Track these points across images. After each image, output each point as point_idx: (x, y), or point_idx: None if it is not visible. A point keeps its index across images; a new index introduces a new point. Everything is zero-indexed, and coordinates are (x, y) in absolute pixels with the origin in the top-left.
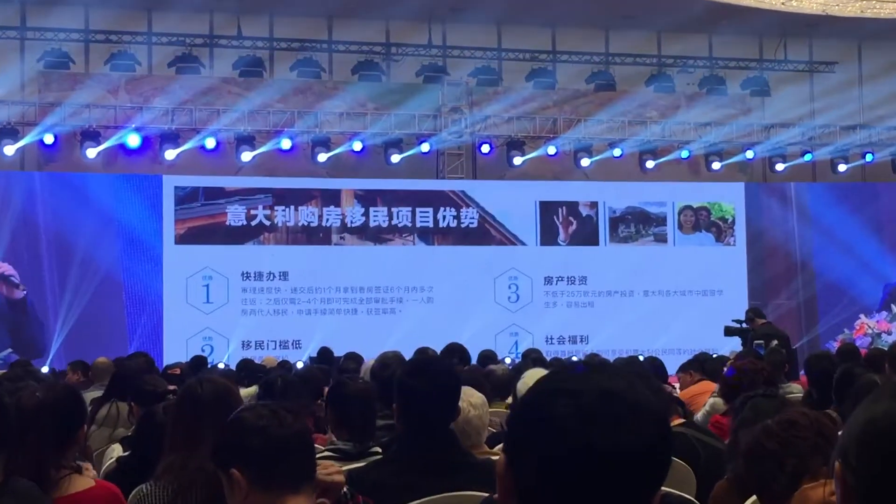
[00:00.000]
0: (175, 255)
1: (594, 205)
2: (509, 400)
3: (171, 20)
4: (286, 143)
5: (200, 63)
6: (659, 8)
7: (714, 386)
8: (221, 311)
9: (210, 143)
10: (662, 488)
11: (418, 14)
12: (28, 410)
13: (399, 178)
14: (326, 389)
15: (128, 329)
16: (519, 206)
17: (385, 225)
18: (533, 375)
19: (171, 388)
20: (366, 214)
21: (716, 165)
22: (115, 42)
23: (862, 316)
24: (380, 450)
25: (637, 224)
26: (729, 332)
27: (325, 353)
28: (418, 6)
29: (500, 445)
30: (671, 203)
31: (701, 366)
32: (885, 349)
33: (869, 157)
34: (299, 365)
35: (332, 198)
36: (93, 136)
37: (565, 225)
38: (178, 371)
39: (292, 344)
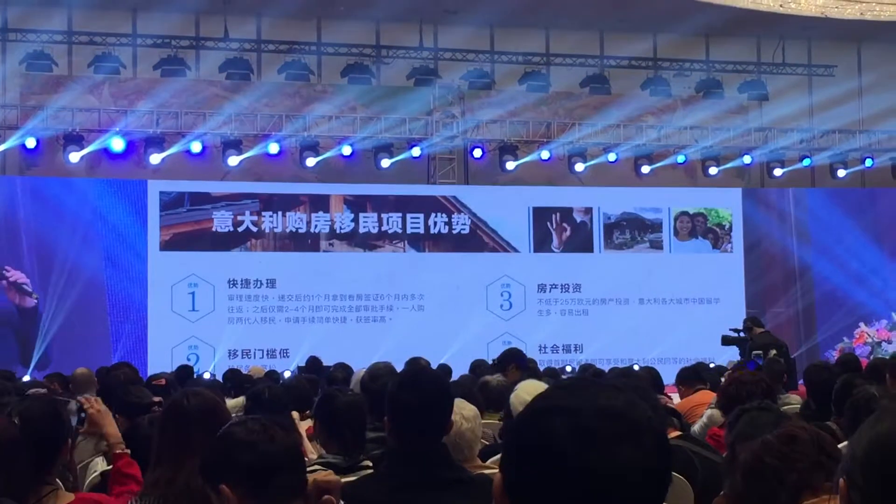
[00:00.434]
0: (160, 262)
1: (588, 211)
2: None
3: (156, 22)
4: (274, 148)
5: (186, 65)
6: (655, 10)
7: (713, 395)
8: (207, 319)
9: (196, 147)
10: None
11: (409, 15)
12: (3, 444)
13: (389, 184)
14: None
15: (111, 337)
16: (512, 212)
17: (375, 231)
18: (525, 387)
19: (157, 399)
20: (355, 220)
21: (713, 171)
22: (98, 44)
23: (861, 324)
24: (371, 464)
25: (632, 230)
26: (726, 341)
27: (313, 362)
28: (409, 7)
29: (493, 459)
30: (667, 209)
31: (698, 376)
32: (886, 359)
33: (868, 162)
34: (287, 374)
35: (320, 203)
36: (76, 139)
37: (559, 231)
38: (163, 382)
39: (280, 353)
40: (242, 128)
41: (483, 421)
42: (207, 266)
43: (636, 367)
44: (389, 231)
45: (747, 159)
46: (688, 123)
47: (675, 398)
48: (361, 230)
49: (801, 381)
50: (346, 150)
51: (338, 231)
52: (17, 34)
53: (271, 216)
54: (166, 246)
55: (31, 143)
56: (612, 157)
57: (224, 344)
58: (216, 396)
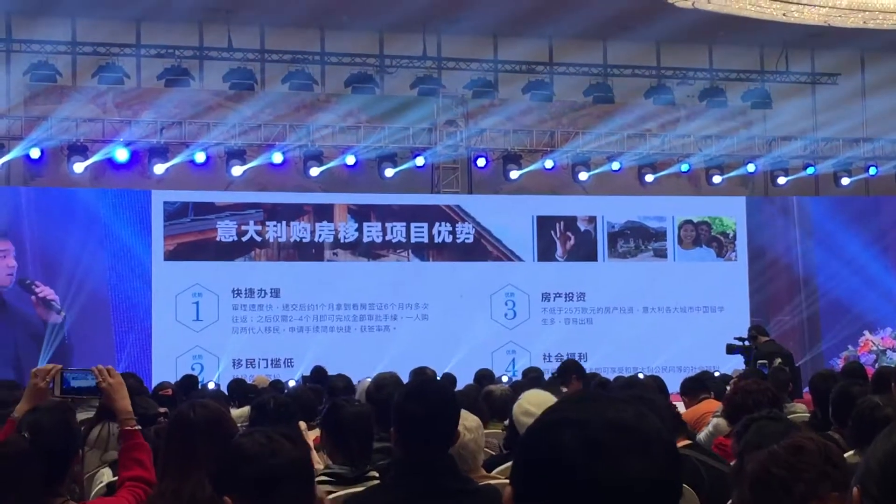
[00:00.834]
0: (164, 272)
1: (592, 219)
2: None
3: (161, 32)
4: (278, 157)
5: (190, 76)
6: (658, 18)
7: (718, 404)
8: (212, 328)
9: (200, 157)
10: None
11: (413, 25)
12: (14, 458)
13: (393, 193)
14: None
15: (115, 347)
16: (516, 221)
17: (379, 240)
18: (528, 398)
19: (162, 410)
20: (359, 230)
21: (716, 179)
22: (103, 55)
23: (866, 332)
24: (377, 474)
25: (636, 239)
26: (731, 349)
27: (318, 371)
28: (413, 17)
29: (499, 469)
30: (671, 217)
31: (703, 385)
32: (892, 367)
33: (872, 171)
34: (291, 384)
35: (324, 213)
36: (80, 150)
37: (563, 240)
38: (169, 392)
39: (284, 362)
40: (246, 138)
41: (487, 431)
42: (212, 276)
43: (641, 376)
44: (393, 240)
45: (751, 167)
46: (691, 132)
47: (680, 407)
48: (365, 239)
49: (806, 390)
50: (350, 160)
51: (342, 240)
52: (21, 45)
53: (275, 226)
54: (170, 256)
55: (35, 153)
56: (615, 165)
57: (228, 353)
58: (221, 407)
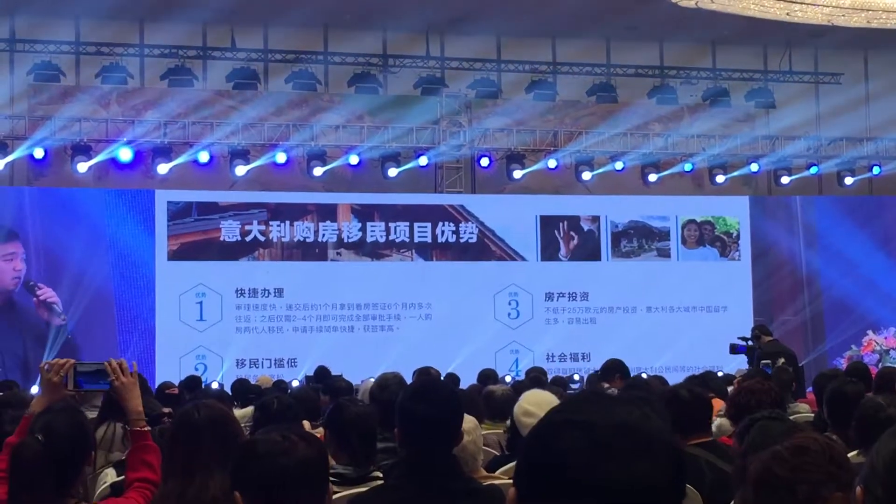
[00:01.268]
0: (168, 272)
1: (596, 219)
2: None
3: (164, 32)
4: (281, 157)
5: (194, 75)
6: (661, 18)
7: (722, 403)
8: (215, 328)
9: (203, 156)
10: None
11: (416, 25)
12: (27, 460)
13: (396, 193)
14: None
15: (119, 347)
16: (519, 221)
17: (382, 240)
18: (528, 398)
19: (166, 410)
20: (363, 229)
21: (720, 179)
22: (106, 54)
23: (870, 332)
24: (381, 475)
25: (640, 239)
26: (734, 349)
27: (321, 371)
28: (416, 17)
29: (501, 470)
30: (674, 217)
31: (705, 385)
32: (895, 367)
33: (876, 170)
34: (295, 384)
35: (328, 212)
36: (84, 150)
37: (566, 240)
38: (175, 391)
39: (288, 362)
40: (250, 137)
41: (486, 431)
42: (215, 275)
43: (644, 376)
44: (397, 240)
45: (754, 167)
46: (695, 132)
47: None
48: (369, 239)
49: (809, 390)
50: (354, 160)
51: (345, 240)
52: (24, 45)
53: (279, 225)
54: (174, 256)
55: (38, 153)
56: (619, 165)
57: (232, 353)
58: (225, 408)
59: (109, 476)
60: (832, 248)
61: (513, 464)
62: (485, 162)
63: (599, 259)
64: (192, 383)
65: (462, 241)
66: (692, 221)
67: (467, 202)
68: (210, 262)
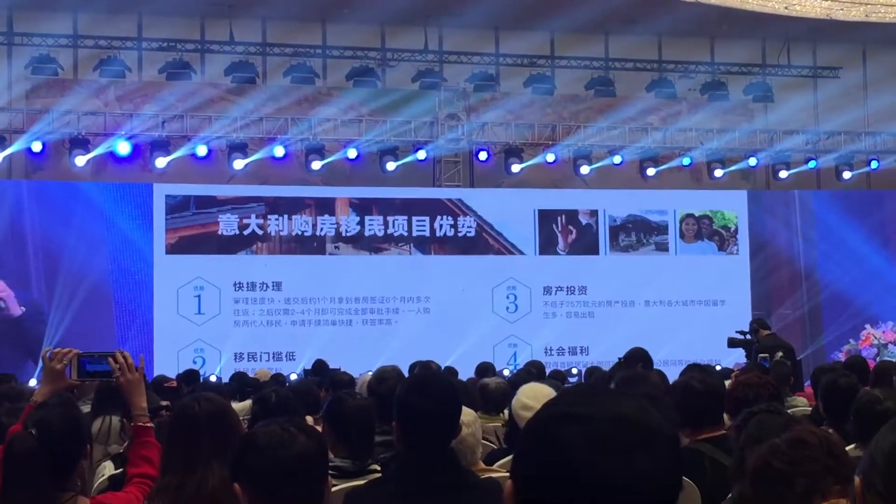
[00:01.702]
0: (166, 266)
1: (594, 213)
2: (503, 414)
3: (162, 25)
4: (279, 151)
5: (192, 69)
6: (659, 12)
7: None
8: (213, 322)
9: (201, 150)
10: None
11: (414, 18)
12: (21, 456)
13: (395, 186)
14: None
15: (117, 341)
16: (517, 215)
17: (381, 234)
18: (526, 391)
19: (164, 403)
20: (361, 223)
21: (718, 173)
22: (104, 48)
23: (867, 326)
24: (379, 468)
25: (638, 233)
26: (732, 343)
27: (319, 365)
28: (414, 10)
29: (499, 463)
30: (672, 211)
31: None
32: (893, 361)
33: (874, 164)
34: (293, 377)
35: (326, 206)
36: (82, 143)
37: (564, 234)
38: (174, 384)
39: (286, 356)
40: (248, 131)
41: (485, 424)
42: (213, 269)
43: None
44: (395, 234)
45: (752, 161)
46: (693, 125)
47: None
48: (367, 233)
49: (807, 383)
50: (352, 154)
51: (343, 234)
52: (22, 38)
53: (277, 219)
54: (172, 249)
55: (36, 146)
56: (617, 159)
57: (230, 347)
58: (225, 401)
59: (107, 469)
60: (830, 242)
61: (511, 457)
62: (483, 156)
63: (597, 253)
64: (190, 377)
65: (460, 234)
66: (690, 215)
67: (465, 196)
68: (208, 256)
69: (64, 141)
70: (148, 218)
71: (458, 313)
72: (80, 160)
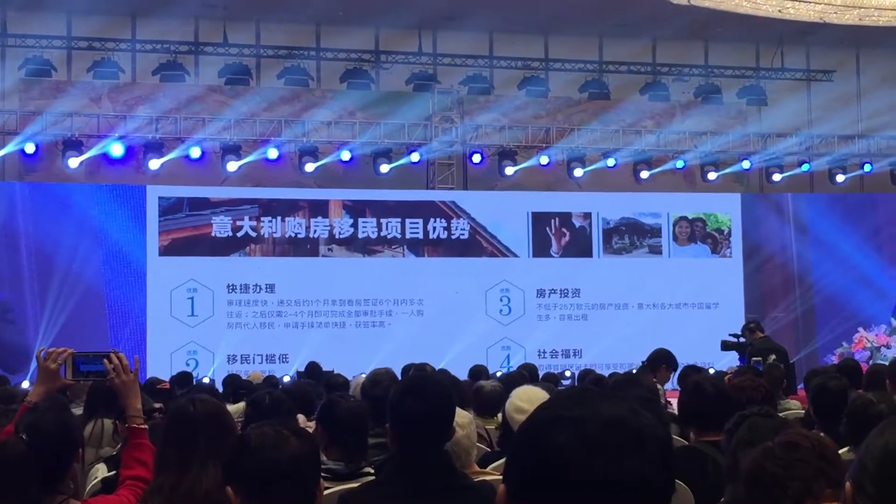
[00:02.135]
0: (159, 267)
1: (587, 216)
2: (499, 417)
3: (156, 27)
4: (273, 153)
5: (185, 71)
6: (653, 15)
7: None
8: (206, 324)
9: (195, 152)
10: None
11: (408, 21)
12: (11, 461)
13: (388, 189)
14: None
15: (110, 343)
16: (511, 217)
17: (374, 236)
18: (519, 394)
19: (158, 406)
20: (354, 226)
21: (711, 176)
22: (98, 49)
23: (860, 329)
24: (372, 470)
25: (631, 235)
26: (726, 346)
27: (313, 367)
28: (408, 13)
29: (493, 465)
30: (666, 214)
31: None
32: (886, 364)
33: (867, 168)
34: (286, 379)
35: (319, 208)
36: (75, 145)
37: (558, 236)
38: (167, 386)
39: (279, 358)
40: (241, 133)
41: (480, 426)
42: (206, 271)
43: (635, 372)
44: (388, 236)
45: (746, 164)
46: (686, 128)
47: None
48: (360, 235)
49: (800, 386)
50: (346, 156)
51: (337, 236)
52: (16, 39)
53: (270, 221)
54: (165, 251)
55: (30, 148)
56: (610, 162)
57: (223, 349)
58: (221, 403)
59: (100, 471)
60: (823, 245)
61: (504, 459)
62: (477, 158)
63: (591, 256)
64: (183, 379)
65: (454, 237)
66: (684, 218)
67: (459, 198)
68: (201, 258)
69: (57, 142)
70: (141, 220)
71: (451, 316)
72: (74, 162)
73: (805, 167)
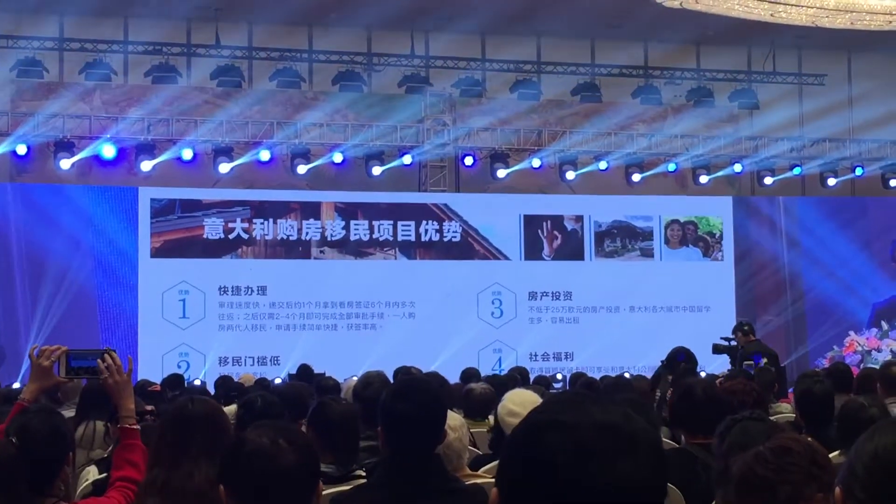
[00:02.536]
0: (151, 269)
1: (579, 219)
2: (489, 420)
3: (148, 29)
4: (265, 155)
5: (177, 72)
6: (646, 18)
7: None
8: (198, 326)
9: (187, 154)
10: None
11: (401, 23)
12: (3, 463)
13: (380, 191)
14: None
15: (101, 344)
16: (503, 220)
17: (366, 238)
18: (512, 398)
19: (149, 408)
20: (346, 228)
21: (703, 179)
22: (90, 51)
23: (851, 333)
24: (363, 473)
25: (623, 238)
26: (717, 349)
27: (304, 370)
28: (401, 15)
29: (485, 468)
30: (658, 217)
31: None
32: (876, 368)
33: (859, 171)
34: (277, 381)
35: (311, 211)
36: (67, 146)
37: (550, 239)
38: (158, 388)
39: (271, 360)
40: (233, 135)
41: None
42: (198, 273)
43: (627, 376)
44: (380, 238)
45: (738, 168)
46: (678, 132)
47: None
48: (352, 237)
49: (791, 390)
50: (338, 158)
51: (329, 238)
52: (8, 41)
53: (262, 223)
54: (157, 253)
55: (21, 149)
56: (602, 165)
57: (215, 351)
58: (218, 404)
59: (91, 474)
60: (815, 248)
61: (496, 462)
62: (469, 161)
63: (583, 258)
64: (174, 381)
65: (446, 239)
66: (675, 221)
67: (451, 201)
68: (193, 260)
69: (49, 144)
70: (133, 221)
71: (443, 318)
72: (66, 163)
73: (796, 171)
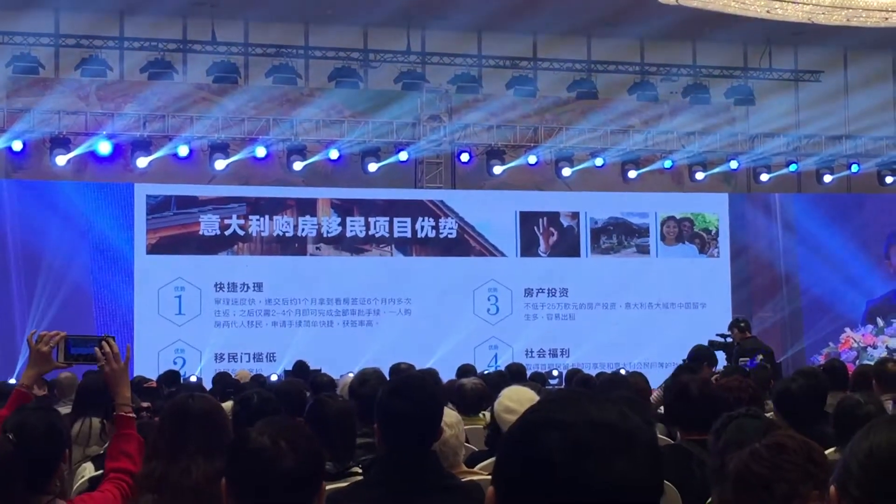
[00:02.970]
0: (147, 266)
1: (575, 215)
2: (485, 415)
3: (144, 25)
4: (261, 151)
5: (173, 69)
6: (642, 15)
7: None
8: (194, 322)
9: (183, 150)
10: None
11: (397, 19)
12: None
13: (376, 188)
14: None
15: None
16: (499, 217)
17: (362, 235)
18: (508, 394)
19: (145, 405)
20: (342, 224)
21: (699, 176)
22: (86, 47)
23: (847, 330)
24: (360, 470)
25: (619, 235)
26: (713, 346)
27: (300, 366)
28: (397, 11)
29: (481, 465)
30: (654, 214)
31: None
32: (872, 364)
33: (855, 168)
34: (273, 378)
35: (307, 207)
36: (63, 143)
37: (546, 236)
38: (154, 384)
39: (266, 357)
40: (229, 131)
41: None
42: (194, 270)
43: (623, 372)
44: (376, 235)
45: (734, 164)
46: (674, 128)
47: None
48: (348, 234)
49: None
50: (334, 154)
51: (325, 235)
52: (3, 36)
53: (258, 220)
54: (153, 249)
55: (17, 145)
56: (598, 161)
57: (210, 348)
58: (218, 402)
59: (87, 470)
60: (811, 245)
61: (492, 459)
62: (465, 157)
63: (579, 255)
64: (170, 378)
65: (442, 236)
66: (671, 218)
67: (447, 197)
68: (189, 256)
69: (45, 140)
70: (129, 218)
71: (439, 315)
72: (61, 160)
73: (792, 167)
